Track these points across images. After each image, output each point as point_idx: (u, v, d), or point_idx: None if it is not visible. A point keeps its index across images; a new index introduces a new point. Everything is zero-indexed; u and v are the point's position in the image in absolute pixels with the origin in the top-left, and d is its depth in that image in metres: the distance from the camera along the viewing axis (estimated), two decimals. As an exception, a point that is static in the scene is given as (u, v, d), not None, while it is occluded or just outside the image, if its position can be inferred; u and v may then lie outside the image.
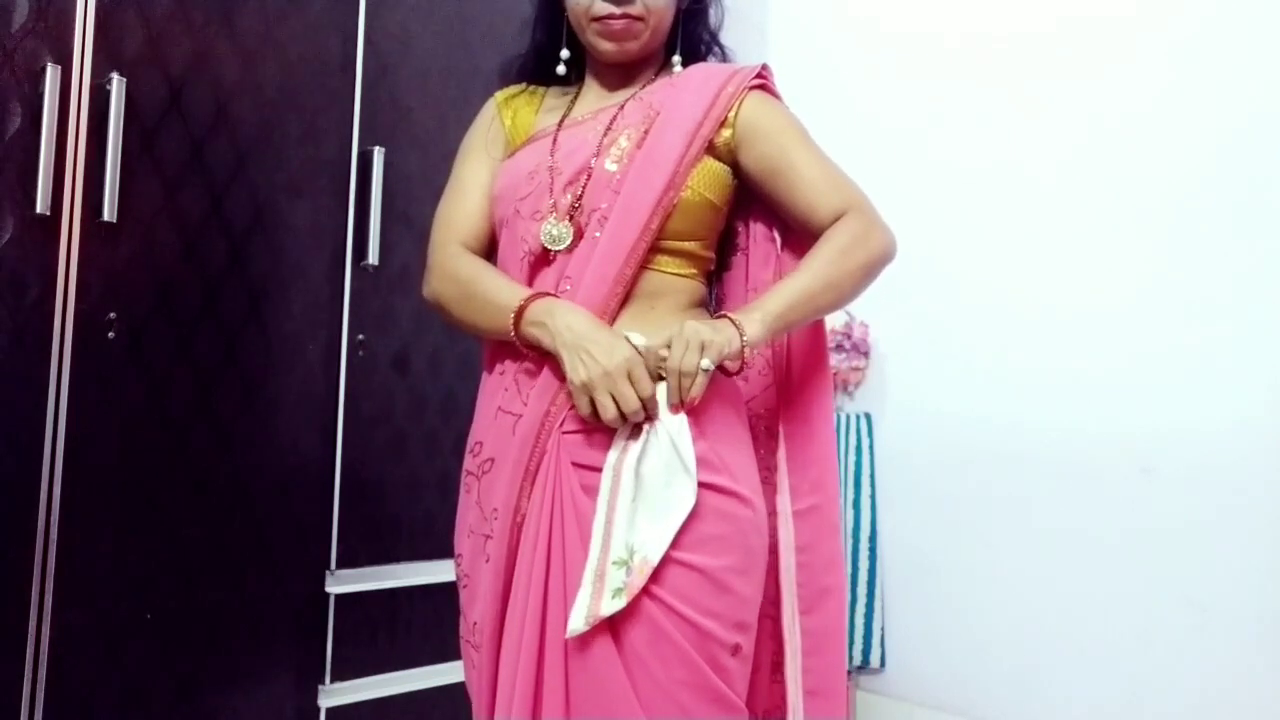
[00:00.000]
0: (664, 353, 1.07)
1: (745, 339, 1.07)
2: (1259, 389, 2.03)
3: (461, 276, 1.21)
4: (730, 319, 1.08)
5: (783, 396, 1.25)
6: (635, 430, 1.07)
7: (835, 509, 1.24)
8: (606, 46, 1.22)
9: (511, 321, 1.12)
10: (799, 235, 1.22)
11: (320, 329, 1.86)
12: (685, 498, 1.05)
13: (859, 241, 1.15)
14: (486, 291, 1.17)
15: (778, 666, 1.23)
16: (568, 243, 1.16)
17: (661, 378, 1.07)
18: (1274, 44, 2.05)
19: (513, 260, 1.21)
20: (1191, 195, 2.14)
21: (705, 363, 1.04)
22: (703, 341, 1.04)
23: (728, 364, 1.07)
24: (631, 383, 1.05)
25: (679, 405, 1.07)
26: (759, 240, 1.27)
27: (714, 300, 1.31)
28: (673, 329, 1.07)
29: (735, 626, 1.08)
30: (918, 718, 2.49)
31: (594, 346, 1.06)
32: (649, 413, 1.06)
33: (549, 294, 1.14)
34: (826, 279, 1.14)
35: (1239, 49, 2.09)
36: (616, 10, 1.18)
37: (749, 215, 1.28)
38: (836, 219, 1.16)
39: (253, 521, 1.76)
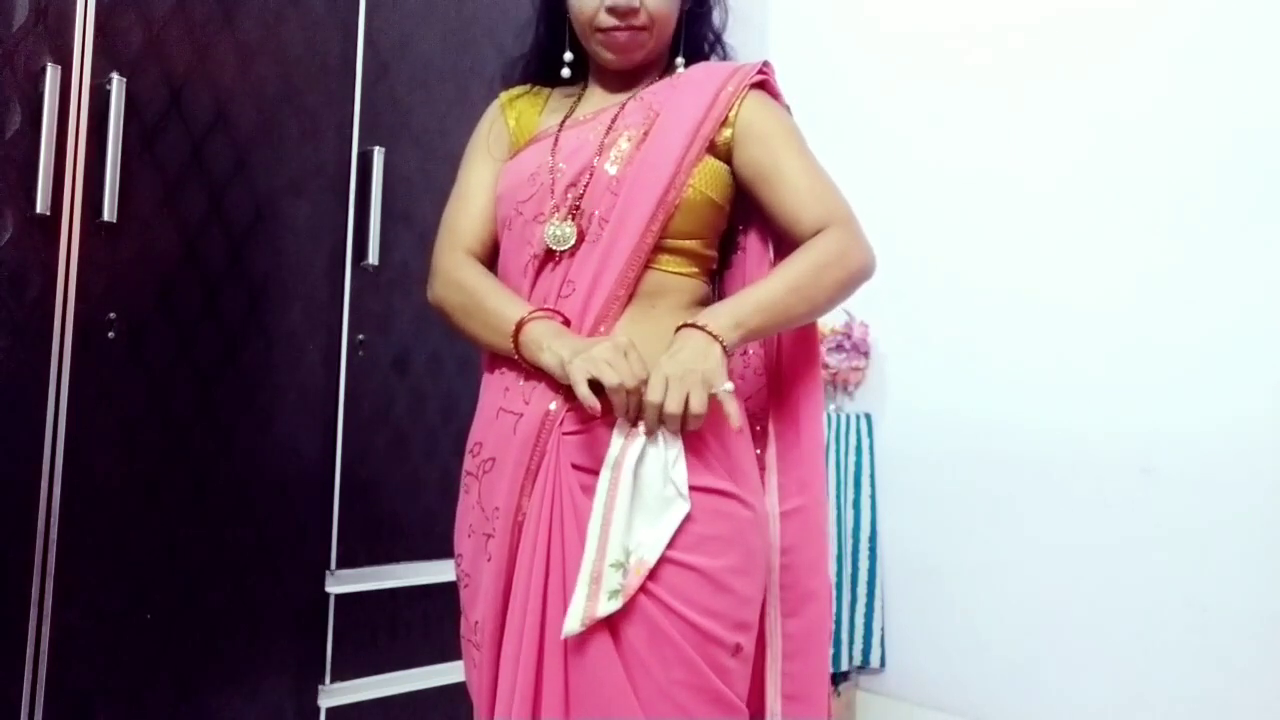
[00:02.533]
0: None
1: (727, 351, 1.06)
2: (1259, 389, 2.03)
3: (465, 287, 1.20)
4: (711, 335, 1.05)
5: (772, 396, 1.25)
6: (635, 432, 1.06)
7: (822, 512, 1.23)
8: (610, 57, 1.22)
9: (511, 343, 1.13)
10: (788, 241, 1.21)
11: (320, 329, 1.86)
12: (680, 504, 1.05)
13: (838, 258, 1.14)
14: (487, 308, 1.17)
15: (762, 670, 1.22)
16: (572, 243, 1.16)
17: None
18: (1275, 42, 2.05)
19: (516, 263, 1.21)
20: (1192, 195, 2.14)
21: (728, 385, 1.03)
22: (703, 378, 1.02)
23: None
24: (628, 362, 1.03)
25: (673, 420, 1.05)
26: (755, 240, 1.27)
27: (716, 299, 1.30)
28: (660, 367, 1.03)
29: (736, 626, 1.08)
30: (918, 718, 2.49)
31: (587, 342, 1.07)
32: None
33: (543, 313, 1.13)
34: (801, 291, 1.12)
35: (1240, 48, 2.09)
36: (621, 24, 1.18)
37: (748, 215, 1.27)
38: (818, 231, 1.15)
39: (253, 522, 1.76)
